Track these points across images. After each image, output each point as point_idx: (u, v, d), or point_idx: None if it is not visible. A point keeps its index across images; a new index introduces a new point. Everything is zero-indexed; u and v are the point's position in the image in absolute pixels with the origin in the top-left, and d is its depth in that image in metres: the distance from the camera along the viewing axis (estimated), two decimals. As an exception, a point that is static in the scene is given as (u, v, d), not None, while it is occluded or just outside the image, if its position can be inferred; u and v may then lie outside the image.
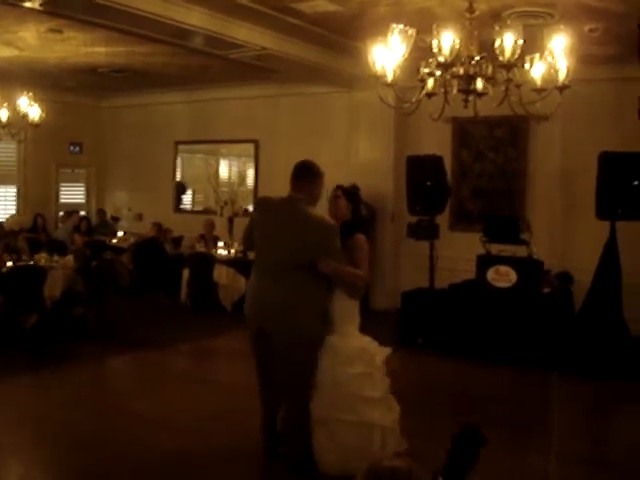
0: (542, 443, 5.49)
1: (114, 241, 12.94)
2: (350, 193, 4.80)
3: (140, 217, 14.05)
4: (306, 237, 4.50)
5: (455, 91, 4.97)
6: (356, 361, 4.56)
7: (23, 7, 6.89)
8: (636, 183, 7.59)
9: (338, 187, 4.82)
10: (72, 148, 14.54)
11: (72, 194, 14.98)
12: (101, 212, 14.25)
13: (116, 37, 8.61)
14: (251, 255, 10.98)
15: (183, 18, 7.32)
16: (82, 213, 14.24)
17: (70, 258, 9.22)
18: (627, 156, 7.68)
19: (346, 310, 4.67)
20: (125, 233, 13.36)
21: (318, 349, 4.60)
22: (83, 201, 15.15)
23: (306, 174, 4.71)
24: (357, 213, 4.75)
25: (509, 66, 4.73)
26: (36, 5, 6.80)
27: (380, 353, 4.64)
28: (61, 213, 14.16)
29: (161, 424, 5.70)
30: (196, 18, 7.43)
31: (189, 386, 6.99)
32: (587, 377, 7.29)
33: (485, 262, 8.38)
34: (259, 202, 4.96)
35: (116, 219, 14.24)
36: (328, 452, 4.54)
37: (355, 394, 4.52)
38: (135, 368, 7.85)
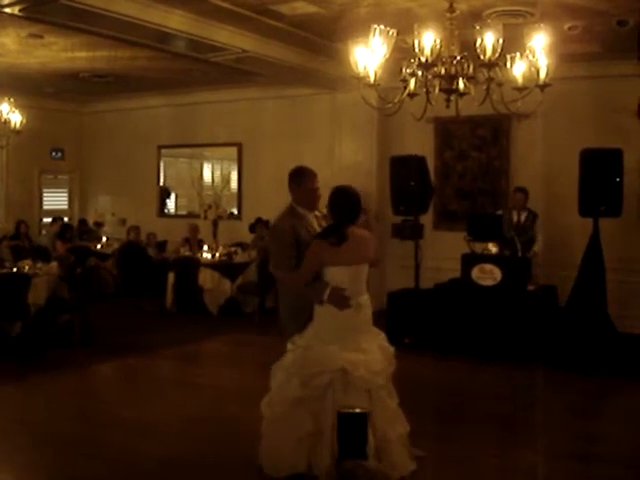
0: (530, 439, 5.51)
1: (98, 247, 12.90)
2: (330, 198, 4.64)
3: (124, 222, 13.97)
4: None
5: (437, 91, 5.00)
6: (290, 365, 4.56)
7: (3, 13, 6.84)
8: (618, 180, 7.64)
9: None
10: (54, 154, 14.45)
11: (55, 200, 14.88)
12: (82, 222, 14.13)
13: (97, 42, 8.58)
14: (238, 258, 11.10)
15: (163, 21, 7.30)
16: (65, 219, 14.15)
17: (54, 265, 9.15)
18: (608, 153, 7.72)
19: (318, 316, 4.54)
20: (108, 239, 13.32)
21: None
22: (66, 207, 15.07)
23: (288, 181, 4.86)
24: (336, 217, 4.60)
25: (490, 65, 4.76)
26: (16, 11, 6.75)
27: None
28: (46, 219, 14.10)
29: (149, 430, 5.67)
30: (176, 21, 7.41)
31: (176, 391, 6.97)
32: (574, 373, 7.33)
33: (470, 261, 8.40)
34: None
35: (99, 224, 14.17)
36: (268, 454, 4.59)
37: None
38: (122, 374, 7.80)
